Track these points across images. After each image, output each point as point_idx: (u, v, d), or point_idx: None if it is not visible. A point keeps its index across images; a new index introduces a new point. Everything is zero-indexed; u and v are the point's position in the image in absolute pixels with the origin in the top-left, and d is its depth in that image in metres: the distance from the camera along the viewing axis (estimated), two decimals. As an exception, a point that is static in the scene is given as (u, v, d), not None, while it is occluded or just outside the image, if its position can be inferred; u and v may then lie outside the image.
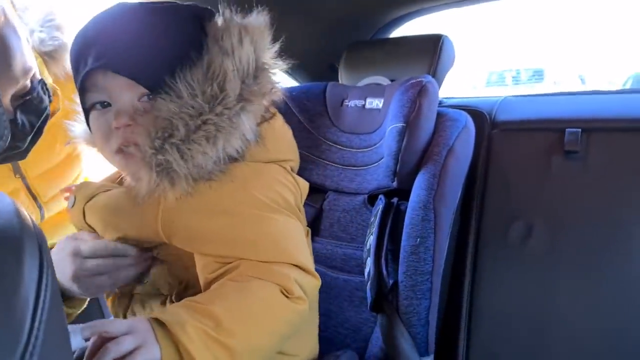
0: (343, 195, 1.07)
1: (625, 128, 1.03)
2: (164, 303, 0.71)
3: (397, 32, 1.48)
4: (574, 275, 1.02)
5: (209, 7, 0.71)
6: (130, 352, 0.52)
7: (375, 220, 0.95)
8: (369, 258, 0.92)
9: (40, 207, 1.04)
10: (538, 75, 8.57)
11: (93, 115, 0.68)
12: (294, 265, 0.67)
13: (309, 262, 0.70)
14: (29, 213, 0.37)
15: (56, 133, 0.93)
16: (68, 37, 0.90)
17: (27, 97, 0.73)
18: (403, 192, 0.97)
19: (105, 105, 0.67)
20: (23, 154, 0.79)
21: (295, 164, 0.81)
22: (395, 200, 0.98)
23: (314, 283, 0.70)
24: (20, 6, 0.89)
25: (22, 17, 0.88)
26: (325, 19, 1.33)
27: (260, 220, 0.67)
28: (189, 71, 0.63)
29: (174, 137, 0.61)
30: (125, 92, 0.65)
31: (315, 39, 1.38)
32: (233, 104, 0.63)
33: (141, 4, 0.68)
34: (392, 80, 1.15)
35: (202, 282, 0.67)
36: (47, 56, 0.88)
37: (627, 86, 5.69)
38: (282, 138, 0.78)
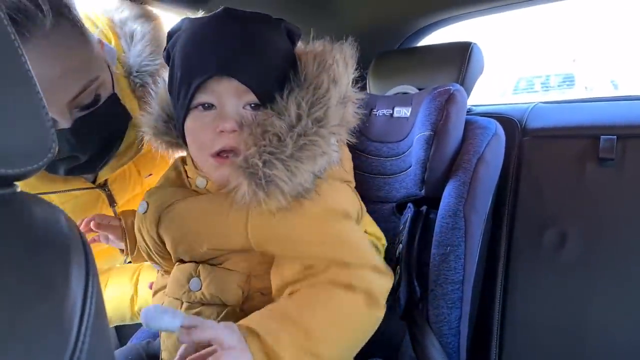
0: (371, 203, 1.07)
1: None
2: (219, 314, 0.70)
3: (425, 41, 1.47)
4: (610, 285, 0.99)
5: (297, 26, 0.75)
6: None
7: (404, 229, 0.94)
8: (398, 266, 0.92)
9: None
10: (569, 80, 8.38)
11: (194, 114, 0.69)
12: (373, 267, 0.69)
13: (384, 265, 0.72)
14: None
15: (143, 163, 0.96)
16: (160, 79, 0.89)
17: (92, 109, 0.76)
18: (432, 200, 0.97)
19: (207, 107, 0.68)
20: (90, 168, 0.81)
21: (354, 184, 0.83)
22: (424, 208, 0.97)
23: (388, 286, 0.71)
24: (126, 30, 0.90)
25: (128, 47, 0.89)
26: (353, 30, 1.34)
27: (347, 226, 0.71)
28: (297, 91, 0.66)
29: (282, 153, 0.63)
30: (233, 98, 0.67)
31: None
32: (334, 128, 0.67)
33: (249, 13, 0.70)
34: (420, 89, 1.15)
35: (277, 285, 0.68)
36: (140, 99, 0.89)
37: (663, 90, 5.50)
38: (349, 160, 0.82)
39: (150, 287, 0.89)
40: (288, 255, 0.68)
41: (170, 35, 0.74)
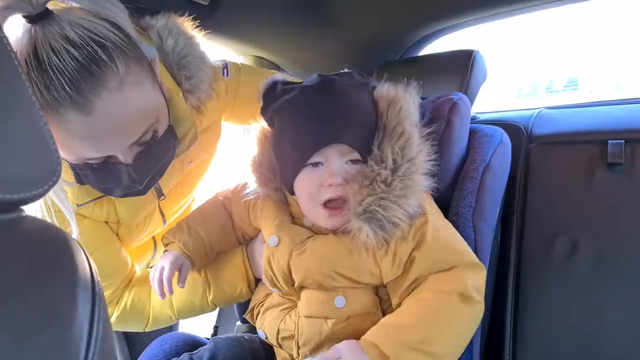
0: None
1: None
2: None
3: (428, 50, 1.47)
4: (624, 292, 0.97)
5: (370, 78, 0.86)
6: None
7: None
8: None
9: (164, 223, 1.09)
10: (573, 84, 8.34)
11: (305, 172, 0.80)
12: (466, 265, 0.79)
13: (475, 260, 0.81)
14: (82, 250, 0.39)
15: (184, 158, 0.97)
16: (201, 70, 0.91)
17: (150, 144, 0.78)
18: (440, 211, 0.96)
19: (315, 165, 0.79)
20: (142, 192, 0.85)
21: None
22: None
23: (481, 281, 0.80)
24: (163, 35, 0.89)
25: (165, 51, 0.89)
26: (355, 41, 1.35)
27: (445, 227, 0.83)
28: (387, 140, 0.79)
29: (392, 195, 0.75)
30: (339, 157, 0.78)
31: (346, 60, 1.40)
32: (424, 164, 0.80)
33: (342, 79, 0.81)
34: (423, 99, 1.14)
35: (395, 302, 0.80)
36: (187, 92, 0.90)
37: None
38: None
39: None
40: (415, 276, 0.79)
41: (268, 96, 0.85)
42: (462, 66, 1.12)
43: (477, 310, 0.78)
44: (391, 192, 0.75)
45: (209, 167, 1.12)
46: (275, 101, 0.83)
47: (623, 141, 1.02)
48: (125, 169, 0.77)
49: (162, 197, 0.99)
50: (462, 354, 0.85)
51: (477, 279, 0.79)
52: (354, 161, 0.79)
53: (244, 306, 1.08)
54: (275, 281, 0.85)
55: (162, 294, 0.86)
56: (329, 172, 0.78)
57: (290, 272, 0.83)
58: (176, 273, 0.88)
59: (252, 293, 0.97)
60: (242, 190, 0.92)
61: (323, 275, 0.80)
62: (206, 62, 0.93)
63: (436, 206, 0.86)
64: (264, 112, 0.87)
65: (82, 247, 0.39)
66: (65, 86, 0.64)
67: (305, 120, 0.79)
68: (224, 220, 0.98)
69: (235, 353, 0.92)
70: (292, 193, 0.85)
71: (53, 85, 0.64)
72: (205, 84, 0.92)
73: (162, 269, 0.87)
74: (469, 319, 0.77)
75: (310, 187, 0.80)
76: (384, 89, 0.84)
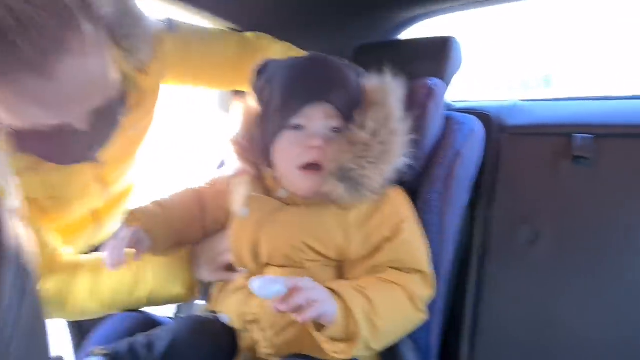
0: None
1: (637, 134, 1.01)
2: None
3: (407, 35, 1.46)
4: (582, 282, 1.00)
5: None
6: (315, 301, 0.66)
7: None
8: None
9: (105, 194, 1.04)
10: (546, 80, 8.51)
11: (286, 134, 0.82)
12: (421, 275, 0.82)
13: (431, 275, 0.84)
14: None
15: (126, 123, 0.92)
16: (145, 29, 0.87)
17: (102, 109, 0.74)
18: (410, 196, 0.96)
19: (297, 127, 0.81)
20: (92, 158, 0.83)
21: None
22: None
23: (428, 295, 0.83)
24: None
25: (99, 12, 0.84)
26: (333, 22, 1.32)
27: (418, 232, 0.85)
28: (371, 110, 0.82)
29: (370, 156, 0.78)
30: (322, 121, 0.81)
31: (324, 42, 1.37)
32: (404, 138, 0.82)
33: (331, 57, 0.86)
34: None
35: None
36: (127, 51, 0.86)
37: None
38: None
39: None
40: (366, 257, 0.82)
41: (260, 72, 0.89)
42: (439, 52, 1.11)
43: (418, 317, 0.81)
44: (369, 153, 0.78)
45: (149, 132, 1.06)
46: (267, 73, 0.87)
47: (590, 135, 1.03)
48: (79, 135, 0.73)
49: (97, 162, 0.93)
50: (419, 338, 0.87)
51: (425, 292, 0.82)
52: (336, 129, 0.81)
53: (205, 286, 1.07)
54: (242, 257, 0.85)
55: (112, 265, 0.81)
56: (309, 134, 0.80)
57: (258, 246, 0.83)
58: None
59: (193, 296, 0.96)
60: (221, 178, 0.95)
61: (292, 247, 0.81)
62: (144, 20, 0.87)
63: (412, 209, 0.88)
64: (254, 86, 0.90)
65: (13, 218, 0.36)
66: (25, 50, 0.59)
67: (294, 81, 0.82)
68: (193, 211, 0.97)
69: (197, 337, 0.87)
70: (269, 164, 0.86)
71: (11, 48, 0.59)
72: (146, 44, 0.88)
73: (117, 237, 0.83)
74: (411, 319, 0.80)
75: (290, 150, 0.82)
76: (373, 79, 0.88)
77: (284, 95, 0.82)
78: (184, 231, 0.95)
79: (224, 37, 1.15)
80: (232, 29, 1.27)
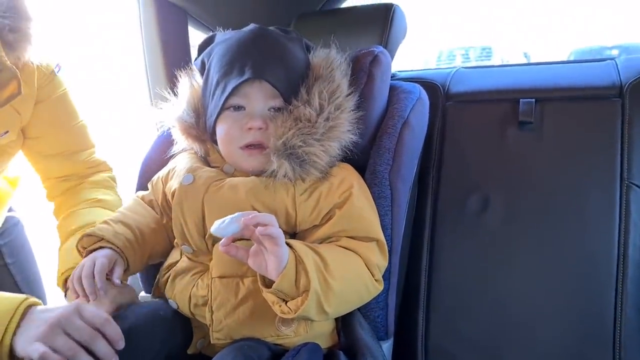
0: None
1: (578, 97, 1.03)
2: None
3: (348, 3, 1.42)
4: (530, 246, 1.01)
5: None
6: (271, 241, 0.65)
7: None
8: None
9: None
10: (487, 53, 8.76)
11: (226, 114, 0.81)
12: (377, 243, 0.80)
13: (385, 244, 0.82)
14: None
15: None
16: (33, 30, 0.85)
17: None
18: (357, 169, 0.92)
19: (237, 108, 0.80)
20: None
21: None
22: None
23: (384, 264, 0.81)
24: None
25: None
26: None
27: (369, 201, 0.83)
28: (316, 85, 0.80)
29: (315, 134, 0.76)
30: (261, 101, 0.79)
31: (261, 10, 1.31)
32: (351, 113, 0.82)
33: (275, 29, 0.85)
34: (342, 52, 1.09)
35: None
36: (8, 45, 0.83)
37: (570, 62, 5.88)
38: None
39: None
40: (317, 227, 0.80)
41: (203, 47, 0.89)
42: (382, 20, 1.07)
43: (374, 286, 0.79)
44: (315, 130, 0.77)
45: (17, 151, 1.01)
46: (208, 48, 0.86)
47: (534, 100, 1.04)
48: None
49: None
50: (376, 316, 0.85)
51: (382, 260, 0.80)
52: (277, 109, 0.80)
53: (147, 275, 1.00)
54: (186, 230, 0.81)
55: (93, 293, 0.76)
56: (249, 115, 0.79)
57: (203, 216, 0.79)
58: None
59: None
60: (160, 175, 0.91)
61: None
62: (30, 20, 0.85)
63: (362, 180, 0.86)
64: (197, 60, 0.89)
65: None
66: None
67: (232, 57, 0.80)
68: (151, 214, 0.91)
69: (151, 325, 0.82)
70: (214, 140, 0.84)
71: None
72: (29, 50, 0.86)
73: (85, 265, 0.78)
74: (367, 286, 0.78)
75: (231, 130, 0.80)
76: (318, 52, 0.87)
77: (220, 74, 0.80)
78: (154, 235, 0.89)
79: (82, 135, 1.06)
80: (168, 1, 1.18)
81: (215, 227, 0.66)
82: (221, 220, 0.66)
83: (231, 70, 0.79)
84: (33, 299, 0.70)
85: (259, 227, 0.64)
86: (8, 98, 0.83)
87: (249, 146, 0.80)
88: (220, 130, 0.82)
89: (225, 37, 0.85)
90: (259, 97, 0.79)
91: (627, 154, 0.97)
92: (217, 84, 0.80)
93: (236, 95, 0.79)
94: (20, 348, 0.65)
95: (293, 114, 0.78)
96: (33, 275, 1.22)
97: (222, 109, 0.80)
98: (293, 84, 0.80)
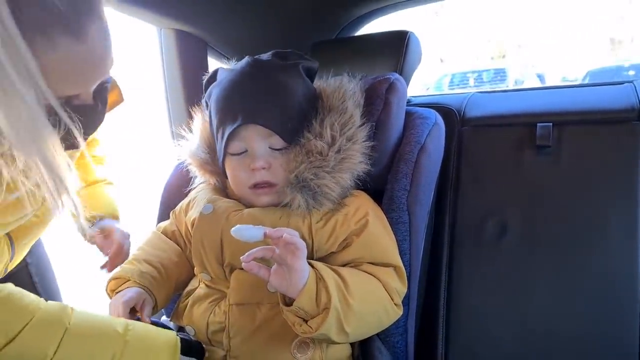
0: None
1: (596, 120, 1.03)
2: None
3: (363, 31, 1.44)
4: (551, 271, 1.00)
5: (311, 60, 0.88)
6: (292, 253, 0.66)
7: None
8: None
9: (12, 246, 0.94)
10: (501, 75, 8.74)
11: (230, 158, 0.82)
12: (395, 269, 0.81)
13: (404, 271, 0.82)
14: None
15: None
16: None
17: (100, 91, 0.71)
18: (375, 194, 0.93)
19: (240, 153, 0.81)
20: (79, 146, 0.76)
21: None
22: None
23: (403, 290, 0.82)
24: None
25: None
26: (287, 18, 1.29)
27: (386, 227, 0.84)
28: (328, 117, 0.81)
29: (327, 166, 0.77)
30: (261, 141, 0.79)
31: (278, 38, 1.34)
32: (364, 144, 0.82)
33: (271, 62, 0.83)
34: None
35: None
36: None
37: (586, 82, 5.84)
38: None
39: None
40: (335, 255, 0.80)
41: (207, 85, 0.89)
42: (397, 47, 1.09)
43: (393, 310, 0.79)
44: (326, 163, 0.78)
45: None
46: (210, 88, 0.86)
47: (551, 124, 1.04)
48: (84, 112, 0.67)
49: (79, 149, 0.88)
50: (396, 342, 0.84)
51: (401, 286, 0.81)
52: (279, 149, 0.80)
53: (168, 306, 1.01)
54: (204, 258, 0.82)
55: None
56: (251, 156, 0.80)
57: (222, 245, 0.80)
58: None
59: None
60: (182, 205, 0.94)
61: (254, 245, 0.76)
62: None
63: (377, 207, 0.87)
64: (203, 99, 0.90)
65: None
66: (62, 7, 0.54)
67: (225, 103, 0.80)
68: (173, 247, 0.93)
69: None
70: (226, 175, 0.85)
71: (48, 5, 0.53)
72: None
73: (117, 308, 0.78)
74: (387, 309, 0.78)
75: (237, 173, 0.82)
76: (329, 82, 0.88)
77: (217, 120, 0.82)
78: (177, 268, 0.91)
79: None
80: (181, 30, 1.22)
81: (235, 229, 0.67)
82: (243, 226, 0.67)
83: (225, 117, 0.79)
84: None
85: (285, 234, 0.65)
86: (112, 104, 0.82)
87: (257, 186, 0.81)
88: (228, 173, 0.84)
89: (222, 76, 0.85)
90: (257, 139, 0.79)
91: (646, 177, 0.96)
92: (217, 128, 0.82)
93: (235, 139, 0.79)
94: None
95: (305, 147, 0.78)
96: (49, 275, 1.24)
97: (226, 153, 0.82)
98: (292, 120, 0.79)
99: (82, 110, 0.68)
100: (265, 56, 0.85)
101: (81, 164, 1.03)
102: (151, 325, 0.74)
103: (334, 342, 0.75)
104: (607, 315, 0.95)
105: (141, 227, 1.10)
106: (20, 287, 0.69)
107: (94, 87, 0.68)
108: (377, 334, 0.83)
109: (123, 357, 0.67)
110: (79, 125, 0.64)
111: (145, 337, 0.71)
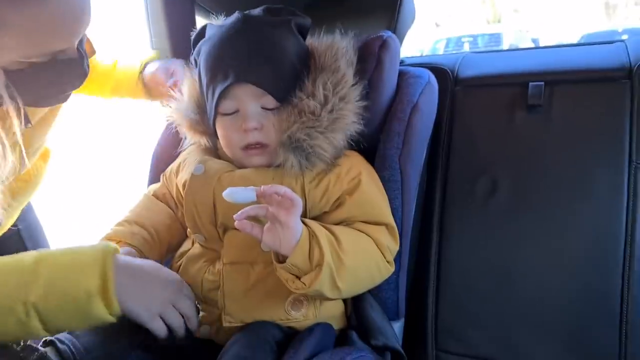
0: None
1: (587, 79, 1.03)
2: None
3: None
4: (539, 228, 1.02)
5: (303, 16, 0.86)
6: (286, 209, 0.66)
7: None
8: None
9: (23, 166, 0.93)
10: (495, 40, 8.65)
11: (221, 118, 0.80)
12: (387, 226, 0.82)
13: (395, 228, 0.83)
14: None
15: None
16: None
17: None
18: (368, 153, 0.93)
19: (233, 112, 0.79)
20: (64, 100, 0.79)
21: None
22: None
23: (395, 247, 0.83)
24: None
25: None
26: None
27: (378, 186, 0.85)
28: (321, 76, 0.79)
29: (320, 126, 0.76)
30: (253, 101, 0.78)
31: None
32: (356, 104, 0.81)
33: (262, 18, 0.81)
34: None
35: None
36: None
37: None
38: None
39: None
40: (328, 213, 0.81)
41: (195, 41, 0.86)
42: (391, 5, 1.08)
43: (385, 267, 0.81)
44: (319, 123, 0.77)
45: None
46: (198, 45, 0.83)
47: (542, 83, 1.04)
48: (65, 68, 0.69)
49: (29, 124, 0.83)
50: (387, 297, 0.86)
51: (393, 243, 0.82)
52: (271, 109, 0.79)
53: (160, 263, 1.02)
54: (197, 219, 0.82)
55: None
56: (243, 116, 0.78)
57: (214, 205, 0.80)
58: None
59: None
60: (172, 167, 0.93)
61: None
62: None
63: (370, 166, 0.87)
64: (192, 56, 0.87)
65: None
66: None
67: (215, 61, 0.79)
68: (164, 210, 0.93)
69: None
70: (217, 135, 0.84)
71: None
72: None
73: None
74: (379, 267, 0.79)
75: (229, 133, 0.81)
76: (321, 39, 0.86)
77: (207, 78, 0.80)
78: (169, 230, 0.91)
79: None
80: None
81: (227, 192, 0.67)
82: (235, 188, 0.67)
83: (215, 75, 0.78)
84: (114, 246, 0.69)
85: (284, 190, 0.66)
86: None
87: (249, 147, 0.80)
88: (219, 133, 0.83)
89: (211, 32, 0.83)
90: (249, 99, 0.78)
91: (636, 136, 0.97)
92: (207, 86, 0.80)
93: (226, 98, 0.78)
94: (125, 306, 0.65)
95: (297, 107, 0.77)
96: (42, 241, 1.24)
97: (217, 113, 0.80)
98: (284, 79, 0.78)
99: (69, 64, 0.68)
100: (256, 11, 0.83)
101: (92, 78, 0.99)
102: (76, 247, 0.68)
103: (327, 299, 0.77)
104: (593, 269, 0.98)
105: (133, 191, 1.10)
106: (14, 252, 0.66)
107: (78, 40, 0.67)
108: (369, 290, 0.84)
109: (36, 286, 0.61)
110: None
111: (61, 261, 0.65)
